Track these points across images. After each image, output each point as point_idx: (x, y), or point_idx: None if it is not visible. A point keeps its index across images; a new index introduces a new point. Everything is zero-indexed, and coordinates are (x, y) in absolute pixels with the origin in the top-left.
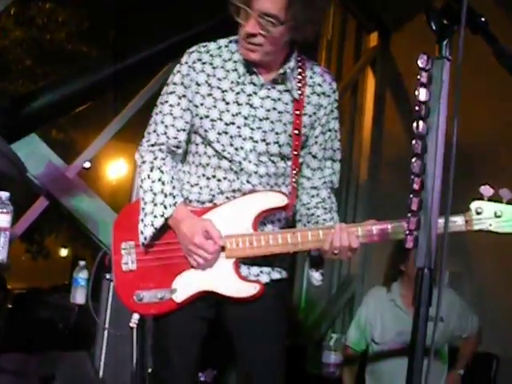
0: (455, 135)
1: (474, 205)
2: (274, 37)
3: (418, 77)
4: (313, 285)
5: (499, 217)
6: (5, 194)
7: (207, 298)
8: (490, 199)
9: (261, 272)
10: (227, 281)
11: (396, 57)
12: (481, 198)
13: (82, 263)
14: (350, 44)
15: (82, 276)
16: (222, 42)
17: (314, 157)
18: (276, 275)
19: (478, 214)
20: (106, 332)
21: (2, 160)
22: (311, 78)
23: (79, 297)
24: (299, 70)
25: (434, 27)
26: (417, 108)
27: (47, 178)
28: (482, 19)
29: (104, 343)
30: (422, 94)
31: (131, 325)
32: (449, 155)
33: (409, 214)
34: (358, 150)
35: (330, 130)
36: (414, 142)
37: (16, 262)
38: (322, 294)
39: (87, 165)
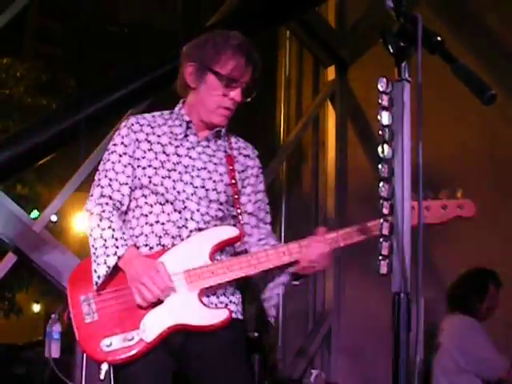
0: (420, 156)
1: (423, 203)
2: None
3: (380, 101)
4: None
5: (429, 210)
6: None
7: (169, 345)
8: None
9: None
10: (195, 312)
11: (355, 89)
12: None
13: (54, 316)
14: (308, 80)
15: (55, 329)
16: (155, 113)
17: (250, 214)
18: (232, 315)
19: (428, 210)
20: None
21: None
22: (236, 143)
23: (54, 350)
24: (226, 137)
25: (391, 50)
26: (380, 132)
27: (14, 234)
28: (438, 38)
29: None
30: (385, 118)
31: (101, 377)
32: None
33: (381, 239)
34: (324, 185)
35: (259, 192)
36: (380, 166)
37: None
38: (298, 331)
39: (54, 218)
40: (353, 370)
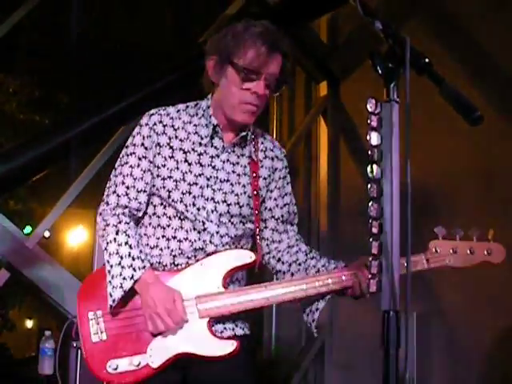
0: (409, 176)
1: (432, 244)
2: (268, 97)
3: (369, 121)
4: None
5: (456, 253)
6: None
7: (174, 361)
8: (444, 238)
9: (224, 329)
10: (203, 341)
11: (346, 104)
12: (436, 237)
13: (47, 333)
14: (300, 95)
15: (48, 346)
16: (180, 106)
17: (278, 219)
18: (239, 331)
19: (437, 252)
20: None
21: None
22: (262, 143)
23: (47, 367)
24: (253, 136)
25: (379, 71)
26: (369, 152)
27: (7, 250)
28: (426, 60)
29: None
30: (374, 138)
31: None
32: (405, 197)
33: (370, 258)
34: (316, 200)
35: (287, 194)
36: (369, 186)
37: None
38: (291, 346)
39: (47, 234)
40: None
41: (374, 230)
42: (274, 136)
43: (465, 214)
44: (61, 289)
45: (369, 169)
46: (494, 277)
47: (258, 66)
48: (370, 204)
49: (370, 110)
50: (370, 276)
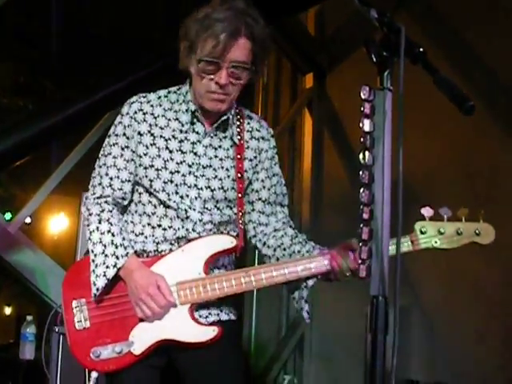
0: (401, 163)
1: (418, 225)
2: (241, 83)
3: (362, 108)
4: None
5: (442, 234)
6: None
7: (157, 347)
8: (431, 219)
9: (209, 314)
10: (184, 327)
11: (332, 97)
12: (423, 218)
13: (29, 318)
14: (286, 86)
15: (29, 331)
16: (161, 92)
17: (265, 201)
18: (224, 317)
19: (423, 233)
20: None
21: None
22: (248, 123)
23: (28, 352)
24: (238, 117)
25: (374, 59)
26: (362, 139)
27: None
28: (421, 49)
29: None
30: (366, 125)
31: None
32: (396, 183)
33: (360, 244)
34: (299, 190)
35: (274, 175)
36: (360, 172)
37: None
38: (271, 337)
39: (28, 220)
40: (325, 376)
41: (365, 216)
42: None
43: (447, 207)
44: (42, 274)
45: (361, 155)
46: (474, 269)
47: (217, 55)
48: (361, 190)
49: (363, 97)
50: (360, 261)
